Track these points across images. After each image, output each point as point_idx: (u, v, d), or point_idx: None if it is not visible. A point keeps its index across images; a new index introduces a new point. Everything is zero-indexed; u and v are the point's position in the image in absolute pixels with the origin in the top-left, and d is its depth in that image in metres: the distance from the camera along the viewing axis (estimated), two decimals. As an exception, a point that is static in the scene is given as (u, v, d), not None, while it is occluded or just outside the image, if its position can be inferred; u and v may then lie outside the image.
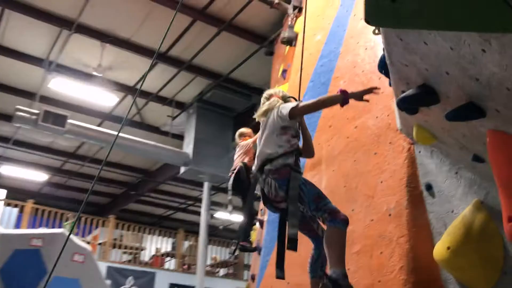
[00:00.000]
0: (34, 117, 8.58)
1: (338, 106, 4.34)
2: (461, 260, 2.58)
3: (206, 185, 10.79)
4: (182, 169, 10.39)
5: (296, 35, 6.16)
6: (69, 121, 8.94)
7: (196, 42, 8.73)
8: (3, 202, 13.49)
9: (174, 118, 10.99)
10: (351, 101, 4.00)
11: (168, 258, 14.26)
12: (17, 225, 12.66)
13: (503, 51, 1.51)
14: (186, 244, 14.39)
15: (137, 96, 10.43)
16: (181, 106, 10.93)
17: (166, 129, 11.37)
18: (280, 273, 3.00)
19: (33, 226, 12.47)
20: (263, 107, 3.34)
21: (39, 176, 15.03)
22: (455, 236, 2.59)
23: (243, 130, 6.64)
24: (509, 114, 1.77)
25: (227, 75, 9.55)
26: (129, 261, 13.38)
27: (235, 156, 6.08)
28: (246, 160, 5.90)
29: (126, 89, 10.34)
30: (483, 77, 1.66)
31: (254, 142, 6.09)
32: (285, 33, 6.38)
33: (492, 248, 2.50)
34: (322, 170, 4.08)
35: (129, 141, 9.79)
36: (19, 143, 12.95)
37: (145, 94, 10.49)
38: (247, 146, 6.01)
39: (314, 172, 4.18)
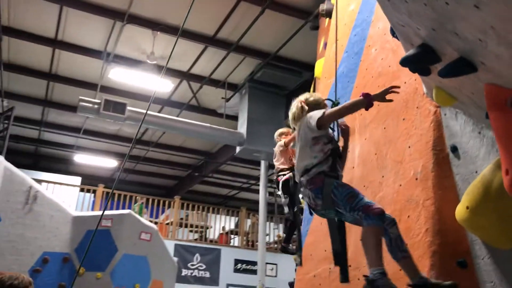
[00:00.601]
0: (96, 106, 9.15)
1: (370, 73, 4.35)
2: (480, 219, 2.56)
3: (263, 164, 11.01)
4: (238, 149, 10.66)
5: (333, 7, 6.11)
6: (129, 108, 9.44)
7: (242, 22, 8.86)
8: (78, 188, 14.53)
9: (228, 100, 11.25)
10: (380, 68, 3.98)
11: (233, 236, 14.74)
12: (91, 209, 13.58)
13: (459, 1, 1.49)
14: (249, 222, 14.78)
15: (191, 81, 10.89)
16: (233, 87, 11.15)
17: (222, 111, 11.67)
18: (344, 278, 3.04)
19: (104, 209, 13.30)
20: (290, 114, 3.37)
21: (109, 163, 16.01)
22: (474, 195, 2.56)
23: (282, 129, 6.76)
24: (494, 66, 1.74)
25: (275, 53, 9.61)
26: (197, 239, 13.97)
27: (274, 158, 6.28)
28: (282, 162, 6.11)
29: (180, 75, 10.72)
30: (459, 31, 1.65)
31: (290, 142, 6.21)
32: (323, 6, 6.35)
33: (511, 206, 2.45)
34: (355, 140, 4.10)
35: (186, 124, 10.18)
36: (89, 133, 13.85)
37: (199, 78, 10.82)
38: (281, 147, 6.18)
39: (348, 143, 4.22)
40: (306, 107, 3.27)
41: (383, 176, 3.60)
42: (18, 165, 13.94)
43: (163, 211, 14.39)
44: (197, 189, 17.97)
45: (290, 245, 6.43)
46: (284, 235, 6.67)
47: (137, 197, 13.37)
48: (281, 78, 10.42)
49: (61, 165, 16.22)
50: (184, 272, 12.33)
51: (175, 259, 11.33)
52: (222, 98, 11.29)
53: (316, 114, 3.10)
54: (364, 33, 4.57)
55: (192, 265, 12.41)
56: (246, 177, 16.44)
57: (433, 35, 1.97)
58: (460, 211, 2.68)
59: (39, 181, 13.19)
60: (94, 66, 10.25)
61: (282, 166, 6.34)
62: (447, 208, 2.98)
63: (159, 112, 11.82)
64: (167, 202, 13.77)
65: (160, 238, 10.09)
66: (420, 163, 3.25)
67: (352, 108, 3.05)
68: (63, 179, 14.55)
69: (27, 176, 9.70)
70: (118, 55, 9.94)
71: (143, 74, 9.93)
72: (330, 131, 3.36)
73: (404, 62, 2.30)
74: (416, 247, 3.04)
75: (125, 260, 9.10)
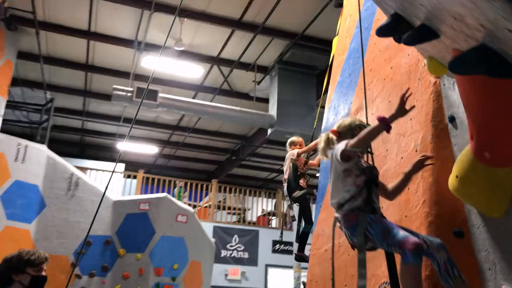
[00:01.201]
0: (129, 94, 9.47)
1: (378, 47, 4.30)
2: (469, 187, 2.53)
3: (296, 145, 11.04)
4: (269, 131, 10.74)
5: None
6: (160, 95, 9.70)
7: (267, 4, 8.85)
8: (122, 174, 15.10)
9: (259, 82, 11.32)
10: (387, 41, 3.93)
11: (271, 217, 14.93)
12: (134, 194, 14.10)
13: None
14: (286, 203, 14.87)
15: (221, 66, 11.02)
16: (264, 70, 11.20)
17: (253, 94, 11.76)
18: None
19: (145, 193, 13.81)
20: (319, 147, 3.20)
21: (151, 149, 16.51)
22: (463, 163, 2.53)
23: (293, 138, 6.75)
24: (449, 32, 1.72)
25: (302, 33, 9.56)
26: (237, 221, 14.27)
27: (284, 168, 6.32)
28: (288, 173, 6.15)
29: (210, 60, 10.86)
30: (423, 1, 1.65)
31: (303, 153, 6.21)
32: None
33: (500, 172, 2.42)
34: (363, 115, 4.09)
35: (217, 108, 10.36)
36: (129, 121, 14.30)
37: (229, 62, 10.93)
38: (291, 156, 6.20)
39: (357, 116, 4.21)
40: (334, 137, 3.07)
41: (387, 150, 3.59)
42: (65, 154, 14.68)
43: (201, 195, 14.75)
44: (237, 173, 18.24)
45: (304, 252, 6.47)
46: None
47: (176, 181, 13.75)
48: (310, 58, 10.37)
49: (105, 153, 16.87)
50: (223, 253, 12.64)
51: (213, 239, 11.66)
52: (253, 81, 11.37)
53: (340, 146, 2.89)
54: (374, 7, 4.50)
55: (231, 246, 12.69)
56: (283, 159, 16.49)
57: (402, 4, 1.96)
58: (451, 180, 2.66)
59: (85, 169, 13.83)
60: (127, 55, 10.56)
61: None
62: (445, 179, 2.96)
63: (193, 98, 12.06)
64: (205, 186, 14.09)
65: (196, 220, 10.38)
66: (420, 135, 3.23)
67: (371, 135, 2.76)
68: (108, 166, 15.17)
69: (68, 164, 10.21)
70: (148, 43, 10.18)
71: (173, 61, 10.15)
72: (363, 160, 3.07)
73: (379, 32, 2.29)
74: (414, 219, 3.04)
75: (163, 241, 9.46)
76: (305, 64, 10.65)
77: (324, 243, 4.17)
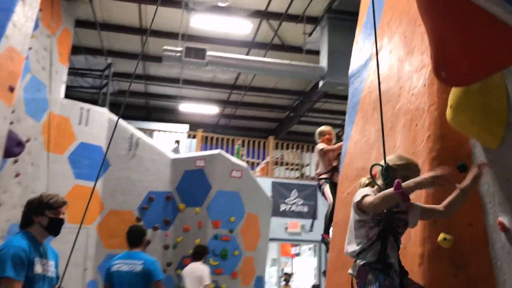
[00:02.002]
0: (178, 54, 9.69)
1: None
2: (462, 116, 2.39)
3: (349, 97, 10.81)
4: (321, 83, 10.57)
5: None
6: (208, 53, 9.83)
7: (309, -49, 8.58)
8: (186, 134, 15.65)
9: (309, 34, 11.08)
10: None
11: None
12: (196, 153, 14.59)
13: None
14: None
15: (269, 19, 10.89)
16: (314, 21, 10.92)
17: (307, 47, 11.55)
18: None
19: (205, 152, 14.24)
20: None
21: (212, 110, 16.88)
22: (455, 93, 2.39)
23: (322, 129, 6.54)
24: None
25: (349, -21, 9.20)
26: (296, 177, 14.39)
27: (315, 161, 6.17)
28: (320, 167, 6.00)
29: (258, 14, 10.76)
30: None
31: (330, 151, 6.02)
32: None
33: (493, 100, 2.27)
34: (383, 55, 3.94)
35: (266, 64, 10.34)
36: (188, 82, 14.64)
37: (277, 16, 10.77)
38: (318, 150, 6.06)
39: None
40: (366, 181, 2.77)
41: (401, 88, 3.46)
42: (132, 118, 15.43)
43: (259, 152, 14.93)
44: (297, 130, 18.18)
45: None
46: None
47: (234, 140, 14.04)
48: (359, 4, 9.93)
49: (170, 115, 17.48)
50: (283, 207, 12.87)
51: (269, 194, 11.88)
52: (304, 33, 11.15)
53: (359, 195, 2.62)
54: None
55: (290, 200, 12.87)
56: (342, 114, 16.20)
57: None
58: (447, 111, 2.54)
59: (150, 131, 14.48)
60: (176, 16, 10.73)
61: (320, 171, 6.23)
62: (451, 112, 2.82)
63: (246, 54, 12.08)
64: (262, 143, 14.26)
65: (251, 175, 10.61)
66: (429, 69, 3.08)
67: (386, 202, 2.46)
68: (173, 127, 15.77)
69: (129, 125, 10.75)
70: (196, 1, 10.25)
71: (221, 18, 10.18)
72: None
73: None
74: (419, 155, 2.95)
75: (219, 196, 9.82)
76: (355, 11, 10.19)
77: (347, 187, 4.15)
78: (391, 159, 2.65)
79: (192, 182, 10.08)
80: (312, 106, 15.32)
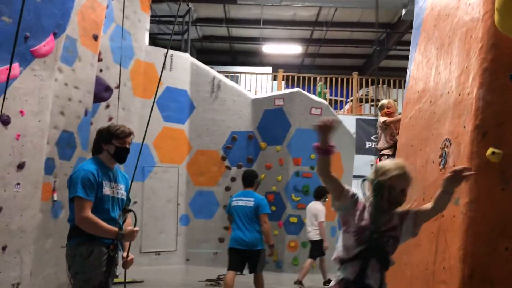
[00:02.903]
0: (252, -8, 9.62)
1: None
2: (508, 19, 2.20)
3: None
4: (403, 12, 9.97)
5: None
6: (283, -12, 9.65)
7: None
8: (270, 76, 15.73)
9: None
10: None
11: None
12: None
13: None
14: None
15: None
16: None
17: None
18: None
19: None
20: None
21: (295, 49, 16.68)
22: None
23: (384, 102, 6.14)
24: None
25: None
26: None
27: (378, 134, 5.87)
28: (381, 141, 5.69)
29: None
30: None
31: (392, 123, 5.60)
32: None
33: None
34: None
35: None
36: (269, 22, 14.55)
37: None
38: (380, 124, 5.71)
39: None
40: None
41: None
42: (218, 63, 15.78)
43: (341, 90, 14.56)
44: (387, 65, 17.44)
45: None
46: None
47: (317, 78, 13.86)
48: None
49: (254, 58, 17.60)
50: (368, 144, 12.66)
51: (353, 131, 11.73)
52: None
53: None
54: None
55: (375, 137, 12.59)
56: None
57: None
58: (495, 15, 2.34)
59: (236, 73, 14.74)
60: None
61: (381, 146, 5.86)
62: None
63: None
64: (345, 80, 13.92)
65: (331, 111, 10.54)
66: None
67: (321, 165, 2.46)
68: (257, 70, 15.90)
69: (210, 68, 11.06)
70: None
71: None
72: (367, 213, 2.43)
73: None
74: (471, 68, 2.77)
75: (299, 133, 9.93)
76: None
77: (410, 111, 4.02)
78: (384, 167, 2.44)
79: (272, 121, 10.26)
80: (399, 38, 14.55)
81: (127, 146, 3.37)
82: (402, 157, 3.94)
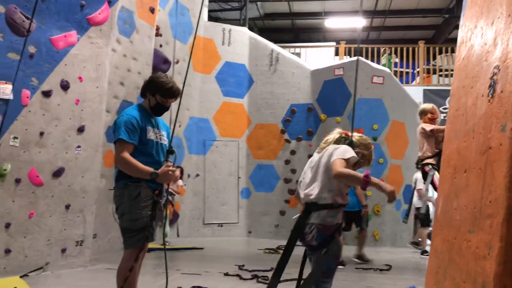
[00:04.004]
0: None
1: None
2: None
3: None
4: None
5: None
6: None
7: None
8: (333, 50, 15.37)
9: None
10: None
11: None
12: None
13: None
14: None
15: None
16: None
17: None
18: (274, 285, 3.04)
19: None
20: (328, 138, 3.45)
21: (359, 22, 16.14)
22: None
23: (424, 106, 5.67)
24: None
25: None
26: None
27: (419, 143, 5.55)
28: (423, 149, 5.29)
29: None
30: None
31: (437, 132, 5.21)
32: None
33: None
34: None
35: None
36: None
37: None
38: (422, 130, 5.39)
39: None
40: (337, 136, 3.36)
41: None
42: (281, 41, 15.64)
43: (407, 60, 13.93)
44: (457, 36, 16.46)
45: None
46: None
47: (383, 49, 13.36)
48: None
49: (317, 34, 17.28)
50: (436, 116, 12.07)
51: (417, 101, 11.19)
52: None
53: (335, 155, 3.01)
54: None
55: (444, 108, 11.96)
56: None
57: None
58: None
59: (298, 47, 14.55)
60: None
61: (425, 155, 5.40)
62: None
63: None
64: (410, 49, 13.29)
65: (395, 80, 10.12)
66: None
67: (350, 180, 2.98)
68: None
69: (268, 42, 10.99)
70: None
71: None
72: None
73: None
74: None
75: (360, 103, 9.61)
76: None
77: (463, 51, 3.74)
78: (356, 137, 3.26)
79: (331, 91, 10.03)
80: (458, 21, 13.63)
81: (167, 106, 3.40)
82: (454, 102, 3.69)
